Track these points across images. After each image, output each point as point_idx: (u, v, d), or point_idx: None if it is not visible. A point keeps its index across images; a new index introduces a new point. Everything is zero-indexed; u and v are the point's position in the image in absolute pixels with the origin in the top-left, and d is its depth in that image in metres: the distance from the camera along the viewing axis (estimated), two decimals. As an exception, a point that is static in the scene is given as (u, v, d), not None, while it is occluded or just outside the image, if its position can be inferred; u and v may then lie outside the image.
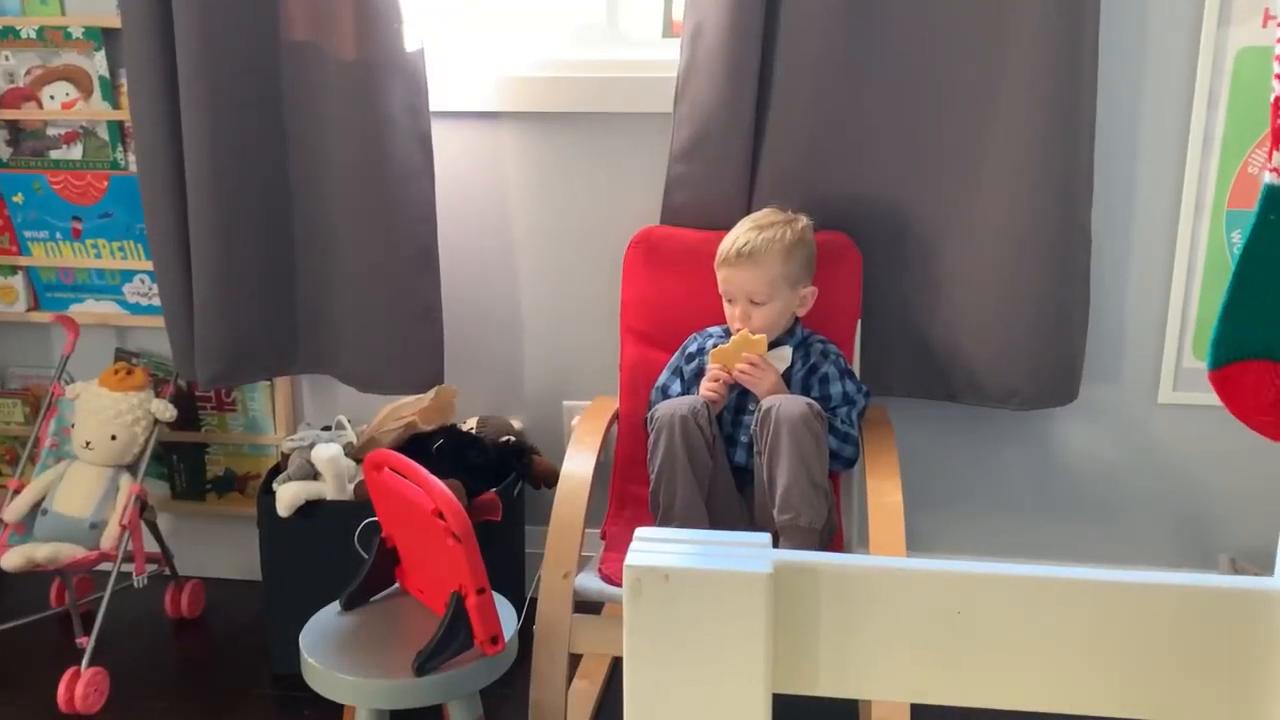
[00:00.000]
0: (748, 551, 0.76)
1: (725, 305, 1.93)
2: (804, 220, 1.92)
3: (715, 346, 1.92)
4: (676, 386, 1.98)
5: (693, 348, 2.00)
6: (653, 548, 0.77)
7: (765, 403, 1.77)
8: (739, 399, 1.90)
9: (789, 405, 1.75)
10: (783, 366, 1.89)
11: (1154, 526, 2.21)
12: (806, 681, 0.77)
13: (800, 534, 1.72)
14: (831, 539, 1.86)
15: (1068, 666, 0.76)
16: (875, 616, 0.75)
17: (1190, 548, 2.21)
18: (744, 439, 1.89)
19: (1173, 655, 0.75)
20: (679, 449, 1.78)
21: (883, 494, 1.77)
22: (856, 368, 2.04)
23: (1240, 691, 0.75)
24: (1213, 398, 2.09)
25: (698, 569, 0.74)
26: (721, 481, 1.84)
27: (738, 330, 1.89)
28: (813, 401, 1.77)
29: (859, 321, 2.05)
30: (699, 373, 1.95)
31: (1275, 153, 0.61)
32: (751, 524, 1.81)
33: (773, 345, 1.90)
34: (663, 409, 1.82)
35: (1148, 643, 0.75)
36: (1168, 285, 2.10)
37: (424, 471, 1.53)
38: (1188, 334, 2.11)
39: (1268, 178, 0.61)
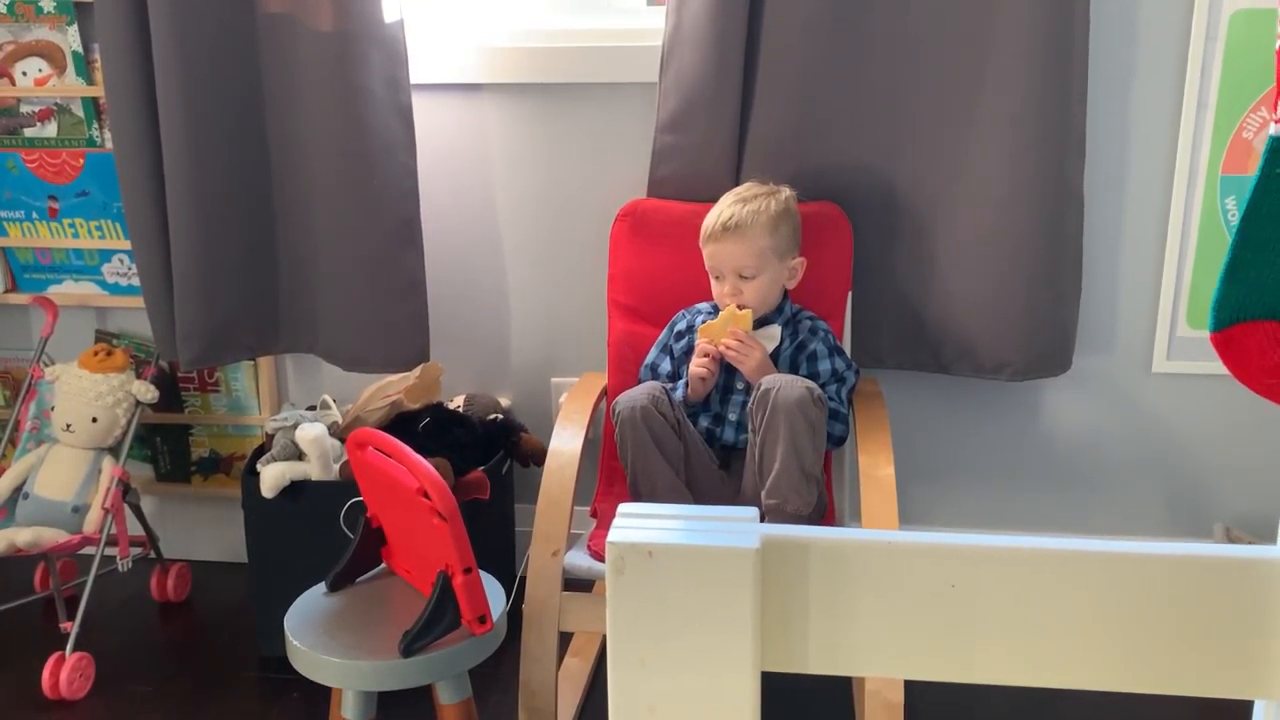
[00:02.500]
0: (734, 527, 0.73)
1: (713, 283, 1.90)
2: (787, 191, 1.89)
3: (704, 323, 1.90)
4: (666, 364, 1.95)
5: (681, 325, 1.97)
6: (636, 524, 0.74)
7: (765, 382, 1.73)
8: (726, 377, 1.87)
9: (789, 388, 1.71)
10: (772, 345, 1.87)
11: (1149, 496, 2.20)
12: (796, 660, 0.74)
13: (786, 520, 1.69)
14: (823, 516, 1.84)
15: (1065, 640, 0.73)
16: (867, 592, 0.72)
17: (1185, 517, 2.20)
18: (732, 417, 1.87)
19: (1172, 627, 0.73)
20: (647, 439, 1.75)
21: (875, 467, 1.75)
22: (847, 339, 2.02)
23: (1241, 662, 0.73)
24: (1207, 366, 2.09)
25: (682, 545, 0.71)
26: (698, 462, 1.82)
27: (731, 305, 1.87)
28: (814, 385, 1.73)
29: (850, 293, 2.02)
30: (688, 350, 1.92)
31: (1281, 103, 0.58)
32: (735, 503, 1.78)
33: (762, 323, 1.88)
34: (622, 402, 1.79)
35: (1147, 615, 0.73)
36: (1161, 253, 2.07)
37: (408, 450, 1.50)
38: (1181, 302, 2.09)
39: (1273, 129, 0.58)
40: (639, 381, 1.97)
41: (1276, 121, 0.58)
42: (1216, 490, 2.17)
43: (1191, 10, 1.95)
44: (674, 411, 1.80)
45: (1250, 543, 2.07)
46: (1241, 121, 2.00)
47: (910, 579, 0.72)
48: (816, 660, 0.75)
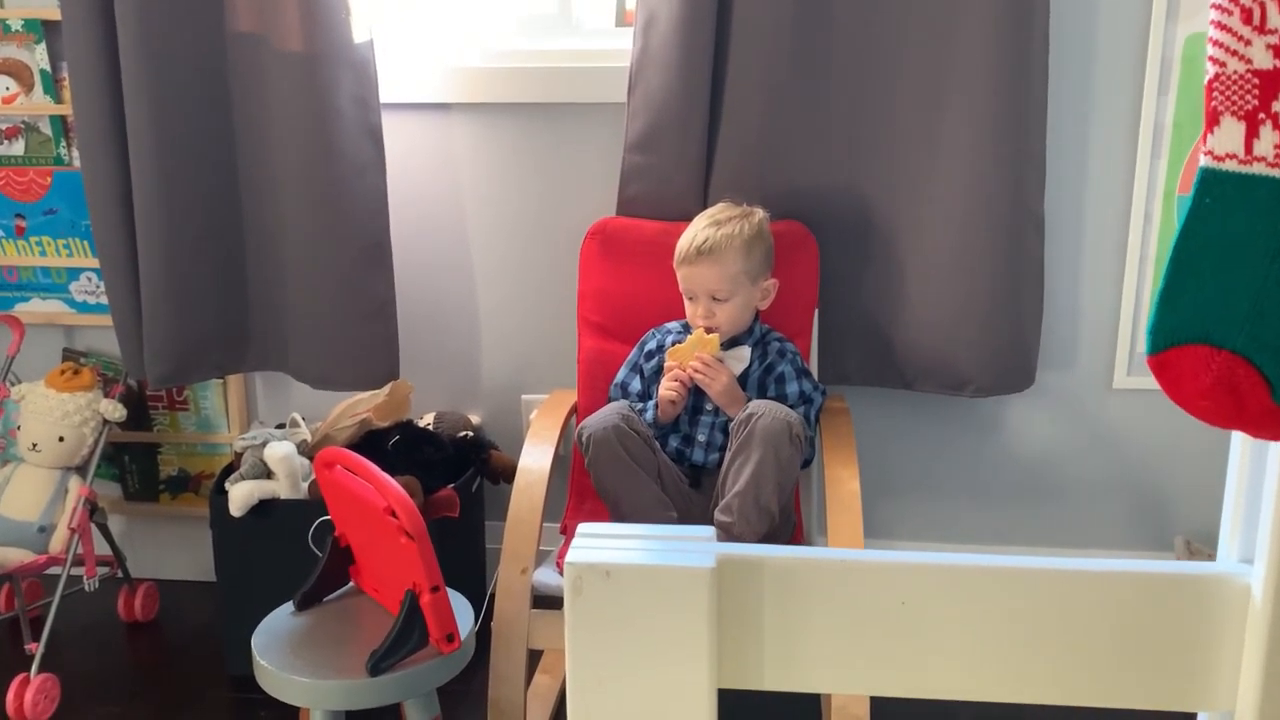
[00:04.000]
0: (691, 546, 0.75)
1: (686, 304, 1.91)
2: (760, 213, 1.91)
3: (674, 344, 1.92)
4: (636, 384, 1.97)
5: (651, 344, 1.99)
6: (594, 544, 0.75)
7: (751, 406, 1.75)
8: (695, 398, 1.89)
9: (770, 418, 1.71)
10: (740, 367, 1.88)
11: (1110, 510, 2.23)
12: (752, 676, 0.76)
13: (731, 540, 1.71)
14: (791, 533, 1.86)
15: (1015, 656, 0.75)
16: (820, 609, 0.74)
17: (1146, 530, 2.23)
18: (701, 438, 1.88)
19: (1119, 642, 0.75)
20: (624, 457, 1.75)
21: (840, 482, 1.77)
22: (814, 357, 2.04)
23: (1188, 676, 0.75)
24: (1166, 382, 2.12)
25: (639, 565, 0.73)
26: (669, 479, 1.83)
27: (700, 328, 1.88)
28: (796, 420, 1.73)
29: (816, 311, 2.05)
30: (658, 370, 1.93)
31: (1209, 135, 0.60)
32: (705, 518, 1.80)
33: (732, 344, 1.90)
34: (591, 424, 1.78)
35: (1094, 630, 0.74)
36: (1121, 271, 2.11)
37: (375, 469, 1.51)
38: (1141, 319, 2.13)
39: (1203, 160, 0.61)
40: (609, 400, 1.98)
41: (1206, 153, 0.60)
42: (1177, 504, 2.21)
43: (1148, 33, 1.99)
44: (645, 428, 1.81)
45: (1209, 555, 2.11)
46: (1197, 143, 2.03)
47: (862, 597, 0.74)
48: (772, 677, 0.76)
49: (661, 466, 1.82)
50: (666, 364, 1.88)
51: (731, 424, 1.78)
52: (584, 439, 1.78)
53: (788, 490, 1.76)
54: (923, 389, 2.09)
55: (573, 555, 0.73)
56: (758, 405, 1.74)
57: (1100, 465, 2.21)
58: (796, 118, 2.00)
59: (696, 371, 1.82)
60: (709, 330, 1.86)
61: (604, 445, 1.76)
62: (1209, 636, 0.74)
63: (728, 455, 1.76)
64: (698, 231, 1.87)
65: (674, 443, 1.89)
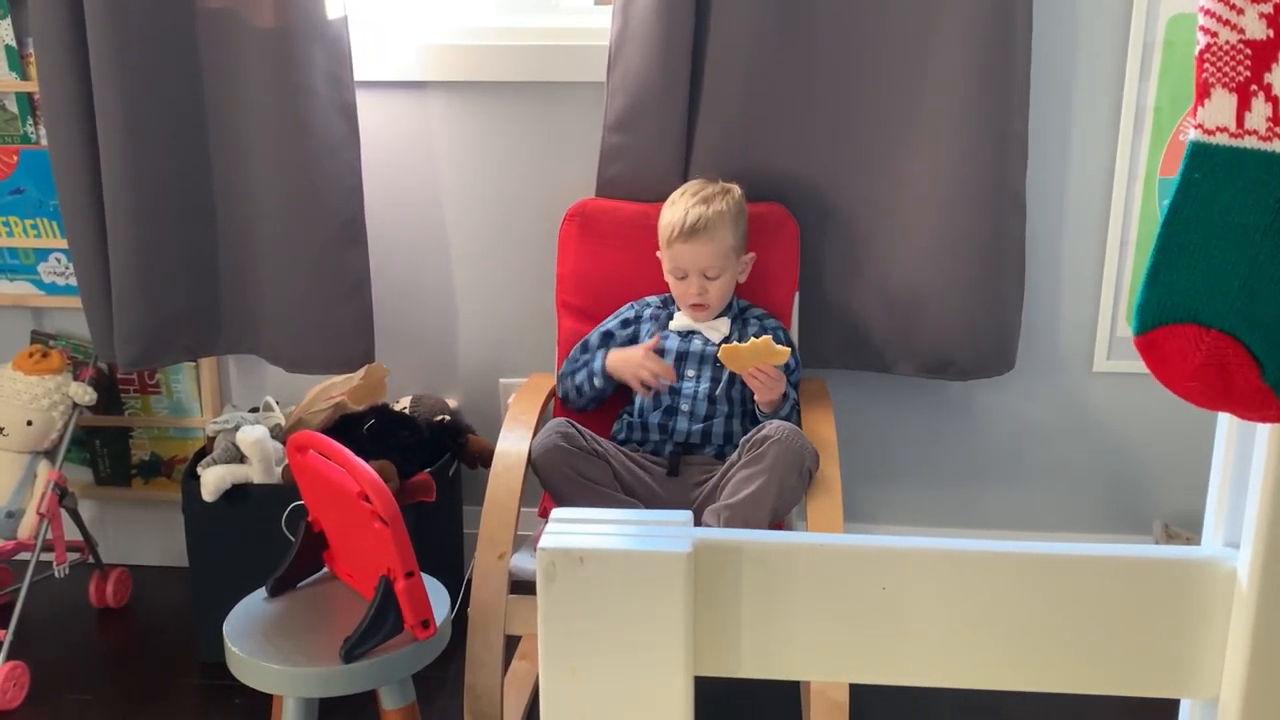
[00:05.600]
0: (666, 531, 0.73)
1: (674, 282, 1.90)
2: (736, 188, 1.92)
3: (656, 317, 1.94)
4: (595, 339, 1.98)
5: (629, 314, 1.98)
6: (569, 529, 0.74)
7: (769, 429, 1.72)
8: (677, 366, 1.90)
9: (784, 448, 1.68)
10: (718, 337, 1.90)
11: (1090, 493, 2.23)
12: (729, 663, 0.74)
13: None
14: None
15: (996, 642, 0.74)
16: (798, 595, 0.73)
17: (1125, 514, 2.23)
18: (685, 408, 1.87)
19: (1103, 628, 0.73)
20: (575, 477, 1.75)
21: (820, 467, 1.76)
22: (795, 340, 2.03)
23: (1172, 662, 0.74)
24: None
25: (614, 550, 0.71)
26: (628, 477, 1.82)
27: (691, 305, 1.88)
28: (812, 454, 1.72)
29: (796, 293, 2.03)
30: (631, 341, 1.95)
31: (1199, 108, 0.58)
32: (685, 504, 1.78)
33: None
34: (536, 450, 1.76)
35: (1078, 616, 0.73)
36: (1102, 254, 2.10)
37: (348, 453, 1.48)
38: (1121, 303, 2.12)
39: (1193, 134, 0.59)
40: (571, 360, 1.98)
41: (1196, 127, 0.58)
42: (1156, 487, 2.21)
43: (1130, 14, 1.98)
44: (587, 441, 1.80)
45: (1188, 539, 2.11)
46: (1179, 125, 2.03)
47: (841, 582, 0.72)
48: (749, 664, 0.75)
49: (617, 470, 1.81)
50: (721, 357, 1.82)
51: (745, 438, 1.76)
52: (534, 467, 1.78)
53: (781, 516, 1.75)
54: (903, 372, 2.08)
55: (546, 541, 0.71)
56: (776, 429, 1.72)
57: (1080, 449, 2.20)
58: (778, 98, 1.98)
59: (755, 377, 1.80)
60: (698, 307, 1.88)
61: (552, 470, 1.76)
62: (1194, 622, 0.72)
63: (736, 460, 1.75)
64: (687, 210, 1.86)
65: (655, 418, 1.89)
